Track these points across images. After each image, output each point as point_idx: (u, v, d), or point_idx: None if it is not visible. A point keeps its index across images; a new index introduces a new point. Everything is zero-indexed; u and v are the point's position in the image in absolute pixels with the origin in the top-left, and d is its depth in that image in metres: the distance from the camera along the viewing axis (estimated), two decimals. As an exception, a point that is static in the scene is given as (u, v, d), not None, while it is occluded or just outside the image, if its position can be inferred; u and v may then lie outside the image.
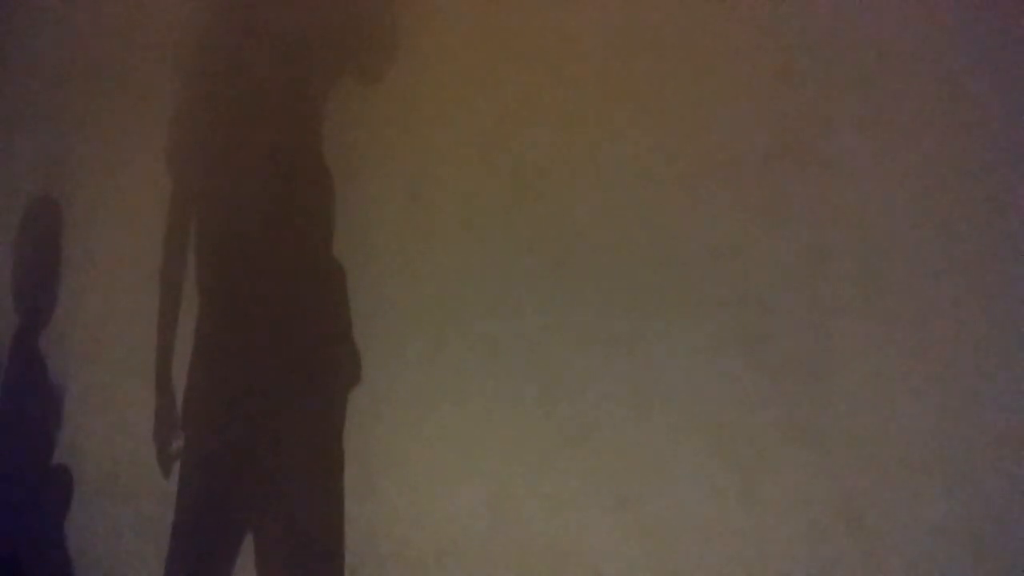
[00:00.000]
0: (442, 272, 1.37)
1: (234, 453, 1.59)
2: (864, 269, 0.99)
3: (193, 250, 1.74)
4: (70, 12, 2.25)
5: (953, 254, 0.94)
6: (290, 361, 1.54)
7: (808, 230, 1.03)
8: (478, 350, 1.30)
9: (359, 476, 1.42)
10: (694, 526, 1.07)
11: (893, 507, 0.94)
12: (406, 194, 1.43)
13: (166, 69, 1.91)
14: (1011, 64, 0.93)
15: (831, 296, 1.01)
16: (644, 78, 1.19)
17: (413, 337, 1.38)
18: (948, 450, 0.92)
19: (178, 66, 1.88)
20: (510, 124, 1.32)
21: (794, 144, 1.05)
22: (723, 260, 1.09)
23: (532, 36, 1.31)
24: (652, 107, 1.17)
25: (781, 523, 1.01)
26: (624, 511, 1.13)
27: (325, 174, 1.54)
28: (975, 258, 0.93)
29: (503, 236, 1.30)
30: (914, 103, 0.98)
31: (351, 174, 1.52)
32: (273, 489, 1.52)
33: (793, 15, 1.07)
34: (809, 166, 1.04)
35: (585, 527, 1.16)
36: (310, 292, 1.54)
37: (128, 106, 2.01)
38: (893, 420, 0.95)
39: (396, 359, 1.40)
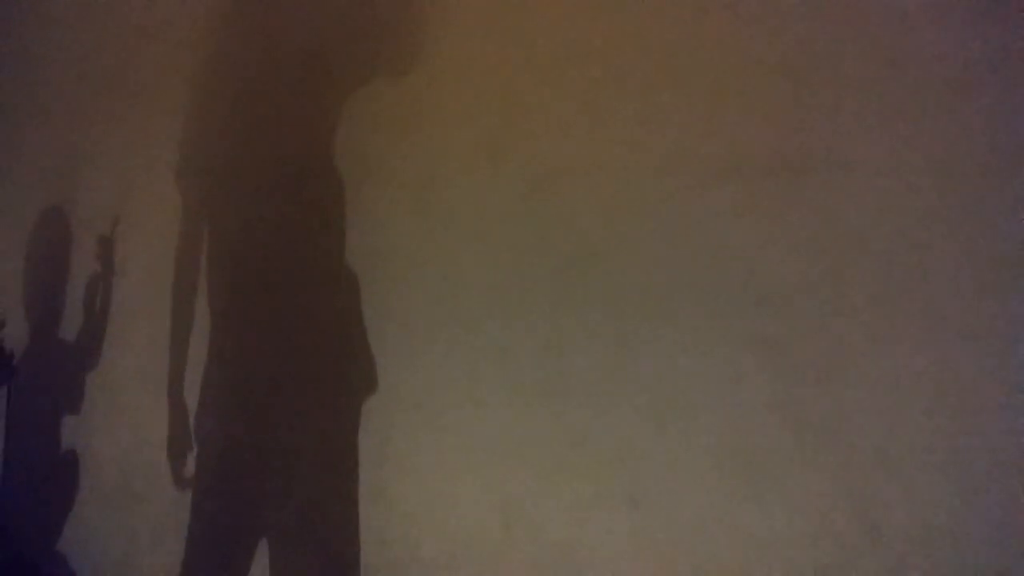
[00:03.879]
0: (453, 277, 1.37)
1: (249, 459, 1.59)
2: (874, 272, 0.99)
3: (205, 259, 1.75)
4: (81, 18, 2.26)
5: (963, 257, 0.94)
6: (304, 369, 1.55)
7: (818, 233, 1.03)
8: (489, 354, 1.31)
9: (372, 481, 1.42)
10: (706, 528, 1.07)
11: (905, 509, 0.94)
12: (416, 201, 1.44)
13: (177, 76, 1.92)
14: (1019, 66, 0.93)
15: (842, 299, 1.01)
16: (654, 83, 1.19)
17: (424, 342, 1.39)
18: (960, 452, 0.92)
19: (189, 74, 1.89)
20: (520, 130, 1.32)
21: (804, 148, 1.05)
22: (733, 263, 1.09)
23: (541, 43, 1.32)
24: (662, 112, 1.18)
25: (794, 525, 1.01)
26: (636, 514, 1.13)
27: (336, 182, 1.55)
28: (986, 261, 0.93)
29: (513, 241, 1.31)
30: (924, 107, 0.98)
31: (361, 182, 1.52)
32: (288, 494, 1.52)
33: (804, 20, 1.07)
34: (820, 170, 1.04)
35: (597, 530, 1.16)
36: (323, 300, 1.55)
37: (138, 113, 2.02)
38: (904, 422, 0.95)
39: (407, 365, 1.41)
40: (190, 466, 1.70)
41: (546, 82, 1.30)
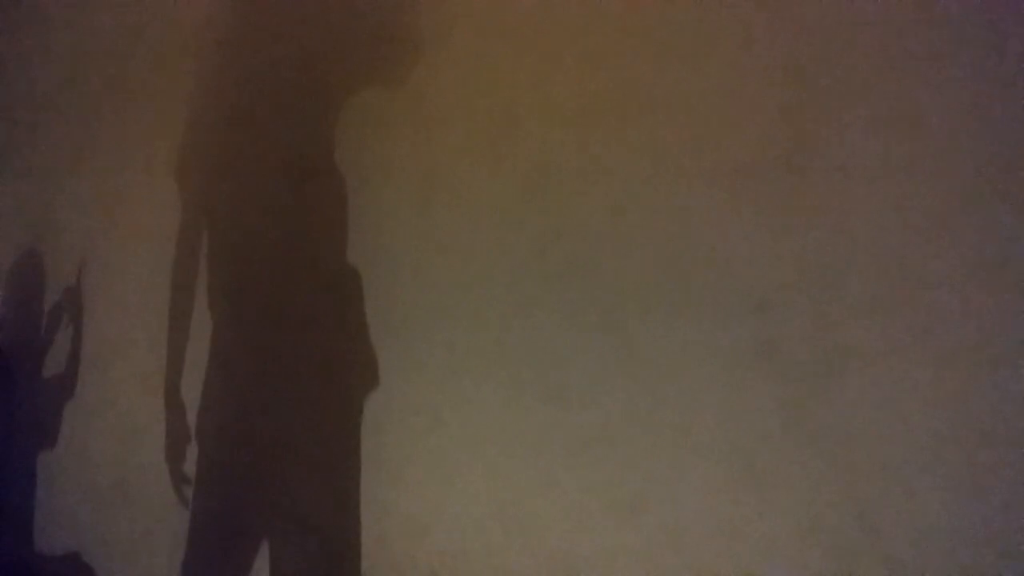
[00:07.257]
0: (452, 278, 1.37)
1: (250, 460, 1.59)
2: (874, 274, 0.99)
3: (205, 257, 1.75)
4: (82, 14, 2.26)
5: (964, 259, 0.94)
6: (306, 367, 1.54)
7: (818, 234, 1.03)
8: (488, 355, 1.31)
9: (370, 483, 1.42)
10: (705, 531, 1.07)
11: (903, 510, 0.94)
12: (418, 198, 1.44)
13: (176, 76, 1.92)
14: (1020, 66, 0.93)
15: (841, 301, 1.01)
16: (655, 81, 1.19)
17: (423, 345, 1.39)
18: (957, 452, 0.92)
19: (190, 73, 1.89)
20: (521, 128, 1.32)
21: (805, 147, 1.05)
22: (733, 264, 1.09)
23: (542, 39, 1.32)
24: (663, 111, 1.18)
25: (792, 527, 1.01)
26: (635, 517, 1.13)
27: (338, 180, 1.55)
28: (987, 263, 0.93)
29: (514, 241, 1.31)
30: (926, 107, 0.98)
31: (362, 179, 1.53)
32: (289, 496, 1.52)
33: (805, 17, 1.07)
34: (820, 170, 1.04)
35: (596, 533, 1.16)
36: (325, 298, 1.54)
37: (139, 112, 2.03)
38: (902, 424, 0.95)
39: (406, 367, 1.40)
40: (189, 467, 1.70)
41: (547, 83, 1.30)
